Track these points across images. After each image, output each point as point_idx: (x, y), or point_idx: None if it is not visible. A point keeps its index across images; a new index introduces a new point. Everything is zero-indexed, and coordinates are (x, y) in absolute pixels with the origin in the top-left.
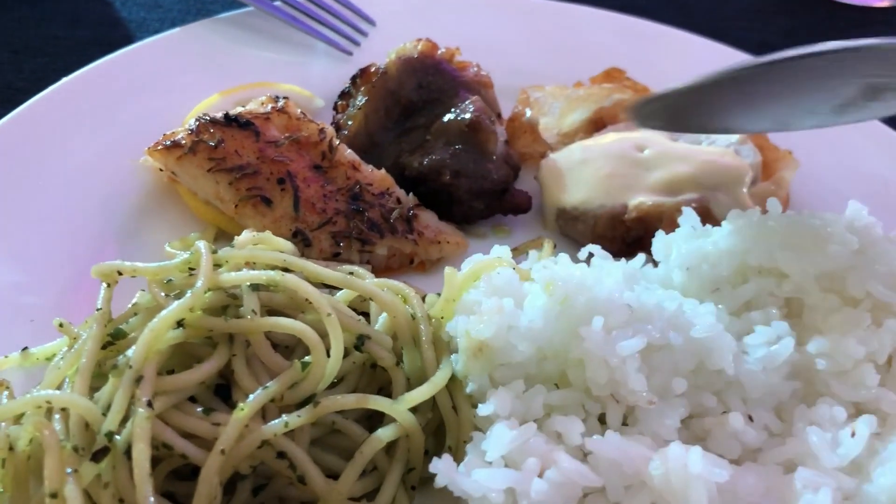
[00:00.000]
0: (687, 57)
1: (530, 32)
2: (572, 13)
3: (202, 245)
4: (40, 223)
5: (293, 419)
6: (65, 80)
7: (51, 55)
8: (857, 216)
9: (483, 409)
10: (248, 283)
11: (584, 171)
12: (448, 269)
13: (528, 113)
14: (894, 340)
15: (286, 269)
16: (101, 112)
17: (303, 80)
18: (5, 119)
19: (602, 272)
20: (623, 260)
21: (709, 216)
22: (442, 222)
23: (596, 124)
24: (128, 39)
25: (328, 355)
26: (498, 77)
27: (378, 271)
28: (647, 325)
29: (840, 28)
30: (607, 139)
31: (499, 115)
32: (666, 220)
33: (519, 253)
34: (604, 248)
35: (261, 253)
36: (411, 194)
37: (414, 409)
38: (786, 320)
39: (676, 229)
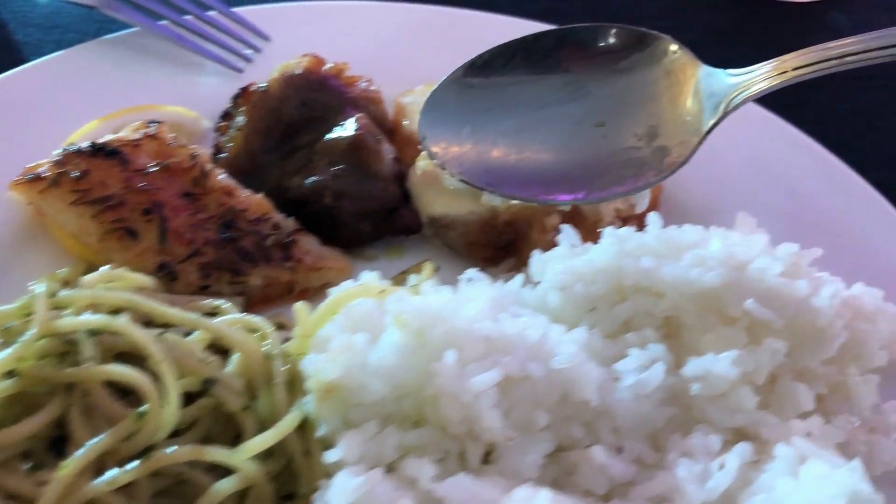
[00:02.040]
0: None
1: (441, 44)
2: (483, 21)
3: (39, 287)
4: None
5: (121, 474)
6: None
7: None
8: (745, 229)
9: (330, 455)
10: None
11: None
12: (297, 305)
13: (407, 123)
14: (774, 360)
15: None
16: None
17: (191, 100)
18: None
19: (464, 300)
20: (500, 282)
21: (577, 216)
22: (325, 247)
23: None
24: (21, 62)
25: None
26: (399, 91)
27: (255, 303)
28: (506, 356)
29: (765, 24)
30: None
31: (391, 131)
32: (536, 223)
33: (401, 280)
34: (478, 255)
35: (104, 294)
36: (292, 218)
37: (268, 453)
38: (665, 341)
39: (554, 244)
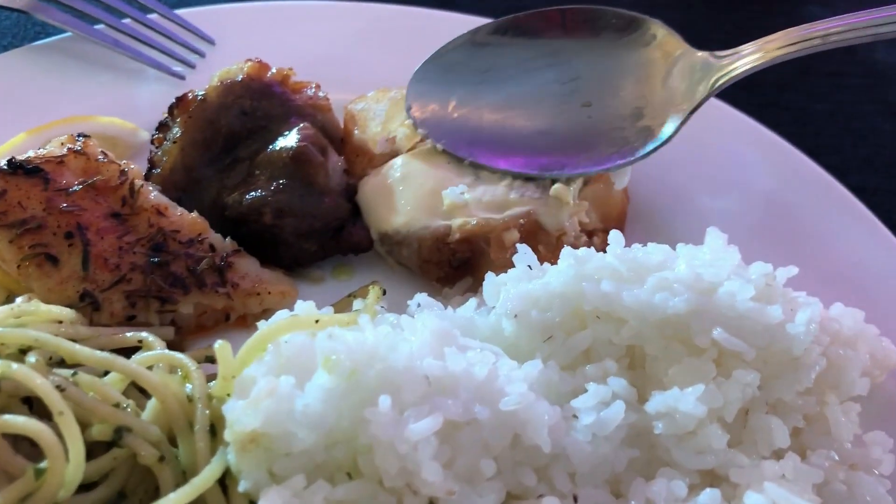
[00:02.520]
0: None
1: (397, 46)
2: (442, 20)
3: None
4: None
5: None
6: None
7: None
8: (715, 245)
9: None
10: None
11: (404, 189)
12: (219, 344)
13: (357, 132)
14: (744, 393)
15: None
16: None
17: (129, 110)
18: None
19: (402, 336)
20: (450, 308)
21: (538, 231)
22: (265, 269)
23: None
24: None
25: None
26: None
27: (188, 332)
28: (449, 398)
29: (737, 21)
30: (432, 148)
31: (341, 140)
32: (494, 240)
33: (345, 305)
34: (432, 275)
35: (8, 332)
36: (228, 239)
37: None
38: (627, 373)
39: (509, 264)
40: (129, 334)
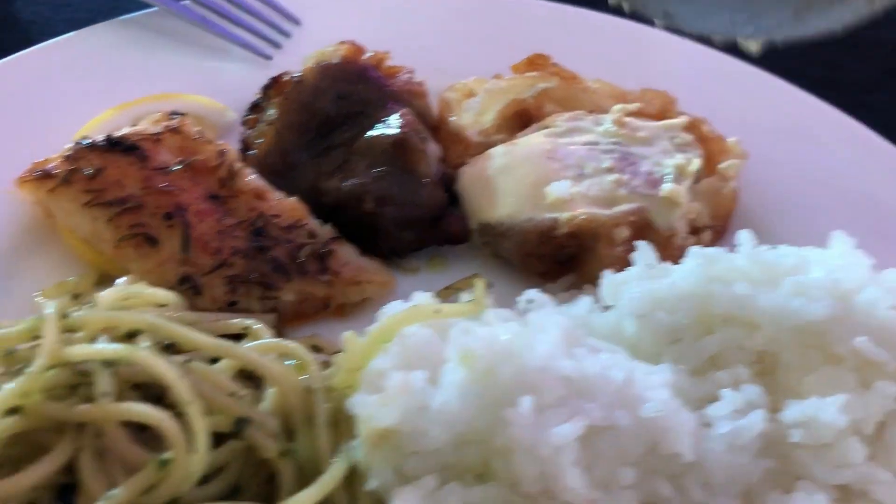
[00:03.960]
0: (614, 41)
1: (493, 32)
2: (540, 8)
3: (48, 308)
4: None
5: None
6: None
7: None
8: (842, 251)
9: None
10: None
11: (506, 180)
12: (347, 335)
13: (452, 119)
14: (884, 405)
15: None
16: None
17: (215, 89)
18: None
19: (535, 333)
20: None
21: (648, 229)
22: (364, 258)
23: (521, 118)
24: (26, 43)
25: None
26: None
27: (287, 319)
28: (589, 402)
29: None
30: (533, 140)
31: (435, 127)
32: (603, 236)
33: (448, 295)
34: (533, 267)
35: (122, 315)
36: (328, 225)
37: None
38: (758, 379)
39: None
40: (233, 321)
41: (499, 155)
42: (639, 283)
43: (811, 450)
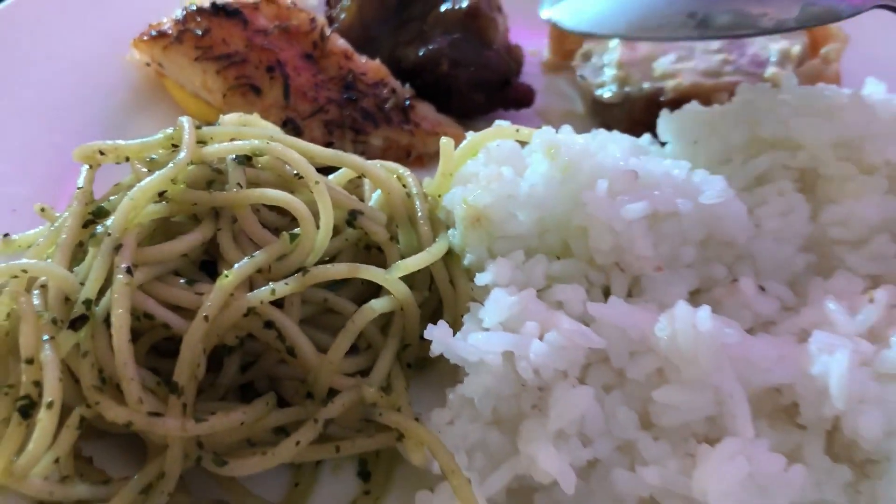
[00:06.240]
0: None
1: None
2: None
3: (185, 120)
4: (24, 115)
5: (280, 286)
6: None
7: None
8: (874, 91)
9: (481, 279)
10: (234, 156)
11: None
12: (444, 140)
13: None
14: None
15: None
16: (85, 8)
17: None
18: None
19: (607, 141)
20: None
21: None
22: (440, 114)
23: None
24: None
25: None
26: None
27: None
28: (654, 191)
29: None
30: None
31: (499, 7)
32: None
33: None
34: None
35: (247, 130)
36: (407, 85)
37: (410, 287)
38: (801, 192)
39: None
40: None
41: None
42: (695, 114)
43: (848, 244)
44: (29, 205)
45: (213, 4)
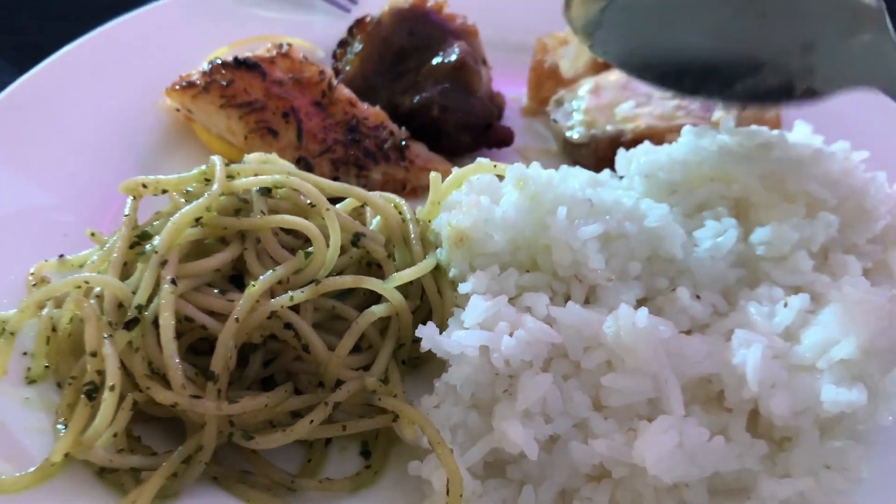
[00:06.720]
0: None
1: None
2: None
3: (216, 158)
4: (73, 155)
5: (297, 294)
6: (90, 34)
7: (73, 20)
8: (800, 132)
9: (463, 288)
10: (257, 188)
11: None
12: (433, 174)
13: (549, 60)
14: (826, 231)
15: None
16: (124, 63)
17: (305, 35)
18: (38, 68)
19: (568, 174)
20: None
21: None
22: (432, 153)
23: (607, 65)
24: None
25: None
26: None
27: None
28: (606, 216)
29: None
30: (612, 76)
31: (483, 61)
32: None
33: None
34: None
35: (268, 167)
36: (403, 128)
37: (404, 295)
38: (734, 218)
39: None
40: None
41: (585, 84)
42: (645, 153)
43: (772, 260)
44: (77, 231)
45: (236, 59)
